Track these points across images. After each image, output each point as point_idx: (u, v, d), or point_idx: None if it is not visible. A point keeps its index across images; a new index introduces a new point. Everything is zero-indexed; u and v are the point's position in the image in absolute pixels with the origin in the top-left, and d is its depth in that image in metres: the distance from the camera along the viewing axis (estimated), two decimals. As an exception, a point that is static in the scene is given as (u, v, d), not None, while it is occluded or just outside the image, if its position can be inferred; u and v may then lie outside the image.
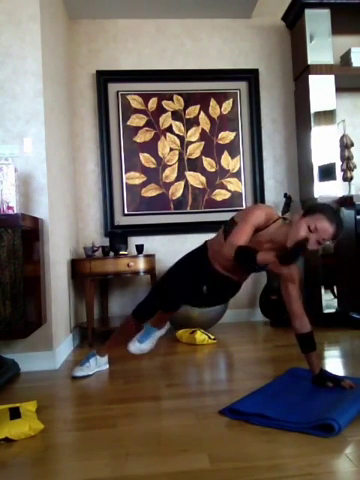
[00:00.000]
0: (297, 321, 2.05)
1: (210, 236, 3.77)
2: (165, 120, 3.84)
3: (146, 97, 3.83)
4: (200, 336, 3.09)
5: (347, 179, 3.71)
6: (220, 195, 3.89)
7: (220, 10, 3.81)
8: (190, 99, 3.87)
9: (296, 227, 1.85)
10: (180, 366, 2.63)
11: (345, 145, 3.71)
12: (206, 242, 2.27)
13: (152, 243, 3.78)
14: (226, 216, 3.93)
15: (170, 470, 1.38)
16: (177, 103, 3.87)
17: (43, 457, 1.53)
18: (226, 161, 3.90)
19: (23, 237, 2.24)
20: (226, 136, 3.91)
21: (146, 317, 2.31)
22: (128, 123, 3.82)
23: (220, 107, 3.91)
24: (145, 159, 3.82)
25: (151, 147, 3.82)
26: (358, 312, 3.34)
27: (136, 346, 2.29)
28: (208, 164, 3.88)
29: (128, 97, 3.82)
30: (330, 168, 3.56)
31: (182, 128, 3.86)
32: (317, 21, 3.56)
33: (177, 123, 3.86)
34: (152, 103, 3.84)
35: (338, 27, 3.68)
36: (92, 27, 3.84)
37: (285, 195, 3.83)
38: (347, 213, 3.41)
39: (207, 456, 1.45)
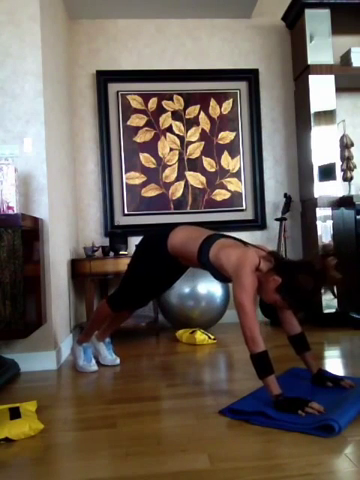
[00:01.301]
0: (287, 324, 2.07)
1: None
2: (165, 120, 3.84)
3: (146, 97, 3.83)
4: (200, 336, 3.09)
5: (347, 179, 3.71)
6: (220, 195, 3.89)
7: (220, 10, 3.81)
8: (190, 99, 3.87)
9: (267, 292, 1.90)
10: (180, 366, 2.63)
11: (345, 145, 3.71)
12: (166, 242, 2.19)
13: (152, 243, 3.78)
14: (226, 216, 3.96)
15: (170, 470, 1.38)
16: (177, 103, 3.87)
17: (43, 457, 1.53)
18: (226, 161, 3.90)
19: (23, 237, 2.24)
20: (226, 136, 3.91)
21: (121, 307, 2.46)
22: (128, 123, 3.82)
23: (220, 107, 3.91)
24: (145, 159, 3.82)
25: (151, 147, 3.82)
26: (358, 312, 3.34)
27: (79, 366, 2.53)
28: (208, 164, 3.88)
29: (128, 97, 3.82)
30: (330, 168, 3.56)
31: (182, 128, 3.86)
32: (317, 21, 3.56)
33: (177, 123, 3.86)
34: (152, 103, 3.84)
35: (338, 27, 3.68)
36: (92, 27, 3.84)
37: (285, 195, 3.84)
38: (347, 213, 3.41)
39: (207, 456, 1.45)
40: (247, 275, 1.86)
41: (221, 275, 2.06)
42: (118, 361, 2.62)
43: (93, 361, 2.53)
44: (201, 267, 2.15)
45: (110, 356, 2.62)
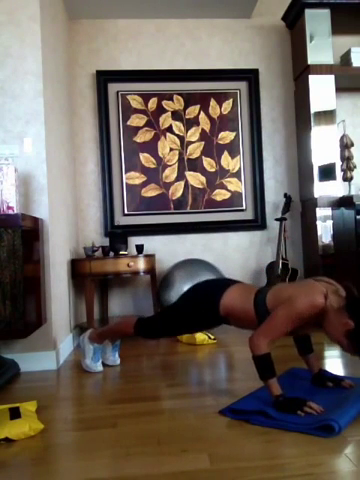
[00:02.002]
0: None
1: (210, 236, 3.81)
2: (165, 120, 3.85)
3: (146, 97, 3.83)
4: (200, 336, 3.09)
5: (347, 179, 3.71)
6: (220, 195, 3.89)
7: (220, 10, 3.81)
8: (190, 99, 3.87)
9: (334, 333, 1.74)
10: (180, 366, 2.62)
11: (345, 145, 3.72)
12: (221, 296, 2.02)
13: (152, 243, 3.78)
14: (226, 216, 3.96)
15: (170, 470, 1.38)
16: (177, 103, 3.87)
17: (43, 457, 1.53)
18: (226, 161, 3.90)
19: (23, 237, 2.24)
20: (226, 136, 3.91)
21: (146, 336, 2.33)
22: (128, 123, 3.82)
23: (220, 107, 3.91)
24: (145, 159, 3.82)
25: (151, 147, 3.83)
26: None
27: (86, 364, 2.51)
28: (208, 164, 3.88)
29: (128, 97, 3.82)
30: (330, 168, 3.56)
31: (182, 128, 3.86)
32: (317, 21, 3.57)
33: (177, 123, 3.86)
34: (152, 103, 3.84)
35: (338, 27, 3.69)
36: (92, 27, 3.84)
37: (285, 195, 3.84)
38: (347, 213, 3.41)
39: (207, 456, 1.45)
40: (307, 301, 1.70)
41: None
42: (118, 361, 2.63)
43: (100, 362, 2.52)
44: (260, 322, 1.90)
45: (113, 357, 2.62)
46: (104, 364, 2.59)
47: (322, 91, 3.58)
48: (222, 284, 2.09)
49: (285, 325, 1.75)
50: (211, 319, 2.09)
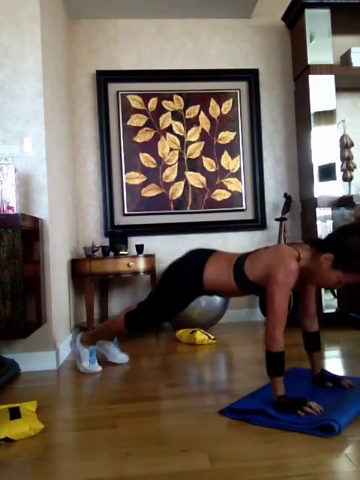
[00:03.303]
0: (308, 319, 2.06)
1: (210, 236, 3.81)
2: (165, 120, 3.85)
3: (146, 97, 3.83)
4: (200, 336, 3.09)
5: (347, 179, 3.71)
6: (220, 195, 3.89)
7: (220, 10, 3.81)
8: (190, 99, 3.87)
9: (324, 276, 1.77)
10: (180, 366, 2.63)
11: (345, 145, 3.71)
12: (202, 273, 2.03)
13: (152, 243, 3.78)
14: (226, 216, 3.96)
15: (170, 470, 1.38)
16: (177, 103, 3.87)
17: (43, 457, 1.53)
18: (226, 161, 3.90)
19: (23, 237, 2.24)
20: (226, 136, 3.91)
21: (138, 330, 2.35)
22: (128, 123, 3.82)
23: (220, 107, 3.91)
24: (145, 159, 3.82)
25: (151, 147, 3.82)
26: (358, 312, 3.34)
27: (84, 367, 2.49)
28: (208, 164, 3.88)
29: (128, 97, 3.82)
30: (330, 168, 3.56)
31: (182, 128, 3.86)
32: (317, 21, 3.56)
33: (177, 123, 3.86)
34: (152, 103, 3.84)
35: (338, 27, 3.68)
36: (92, 27, 3.84)
37: (285, 195, 3.84)
38: (347, 213, 3.41)
39: (207, 456, 1.45)
40: (283, 271, 1.75)
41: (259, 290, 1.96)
42: (127, 359, 2.64)
43: (97, 362, 2.52)
44: (244, 293, 2.03)
45: (119, 354, 2.63)
46: (112, 363, 2.59)
47: (322, 91, 3.58)
48: (200, 259, 2.08)
49: (284, 303, 1.77)
50: (197, 295, 2.16)
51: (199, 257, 2.11)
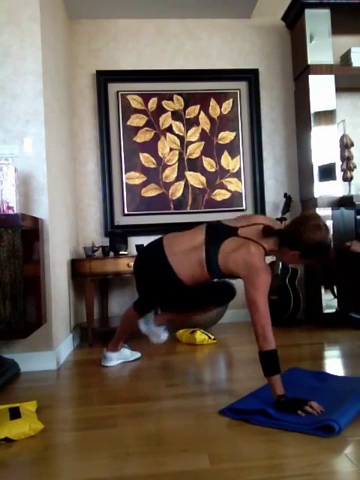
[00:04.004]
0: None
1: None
2: (165, 120, 3.84)
3: (146, 97, 3.83)
4: (200, 336, 3.09)
5: (347, 179, 3.71)
6: (220, 195, 3.89)
7: (220, 10, 3.81)
8: (190, 99, 3.87)
9: (292, 261, 2.02)
10: (180, 366, 2.63)
11: (345, 145, 3.71)
12: (176, 277, 2.10)
13: (152, 243, 3.78)
14: (226, 216, 3.93)
15: (170, 470, 1.38)
16: (177, 103, 3.87)
17: (43, 457, 1.53)
18: (226, 161, 3.90)
19: (23, 237, 2.24)
20: (226, 136, 3.91)
21: (146, 310, 2.44)
22: (128, 123, 3.82)
23: (220, 107, 3.91)
24: (145, 159, 3.82)
25: (151, 147, 3.82)
26: (358, 312, 3.34)
27: (144, 326, 2.46)
28: (208, 164, 3.88)
29: (128, 97, 3.82)
30: (330, 168, 3.56)
31: (182, 128, 3.86)
32: (317, 21, 3.56)
33: (177, 123, 3.86)
34: (152, 103, 3.84)
35: (338, 27, 3.68)
36: (92, 27, 3.84)
37: (285, 195, 3.84)
38: (347, 213, 3.41)
39: (207, 456, 1.45)
40: (258, 274, 1.89)
41: (236, 278, 2.09)
42: (139, 354, 2.74)
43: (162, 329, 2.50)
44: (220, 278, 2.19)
45: (131, 353, 2.72)
46: (130, 361, 2.66)
47: (322, 91, 3.58)
48: (159, 259, 2.16)
49: (266, 303, 1.86)
50: (187, 290, 2.18)
51: (156, 256, 2.21)
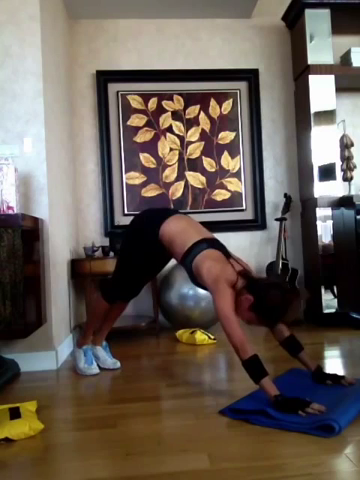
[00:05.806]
0: (276, 333, 2.09)
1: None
2: (165, 120, 3.84)
3: (146, 97, 3.83)
4: (200, 336, 3.09)
5: (347, 179, 3.71)
6: (220, 195, 3.89)
7: (220, 10, 3.81)
8: (190, 99, 3.87)
9: (240, 309, 1.92)
10: (180, 366, 2.63)
11: (345, 145, 3.71)
12: (158, 230, 2.21)
13: (152, 243, 3.78)
14: (226, 216, 3.96)
15: (170, 470, 1.38)
16: (177, 103, 3.87)
17: (43, 457, 1.53)
18: (226, 161, 3.90)
19: (23, 237, 2.24)
20: (226, 136, 3.91)
21: (114, 297, 2.46)
22: (128, 123, 3.82)
23: (220, 107, 3.91)
24: (145, 159, 3.82)
25: (151, 147, 3.82)
26: (358, 312, 3.34)
27: (80, 368, 2.49)
28: (208, 164, 3.88)
29: (128, 97, 3.82)
30: (330, 168, 3.56)
31: (182, 128, 3.86)
32: (317, 21, 3.56)
33: (177, 123, 3.86)
34: (152, 103, 3.84)
35: (338, 27, 3.68)
36: (92, 27, 3.84)
37: (285, 195, 3.84)
38: (347, 213, 3.41)
39: (207, 456, 1.45)
40: (225, 288, 1.92)
41: (197, 281, 2.14)
42: (118, 364, 2.56)
43: (94, 364, 2.48)
44: (181, 265, 2.21)
45: (110, 359, 2.57)
46: (104, 368, 2.54)
47: (322, 91, 3.58)
48: (160, 215, 2.28)
49: (234, 316, 1.88)
50: (151, 248, 2.28)
51: (163, 211, 2.35)
